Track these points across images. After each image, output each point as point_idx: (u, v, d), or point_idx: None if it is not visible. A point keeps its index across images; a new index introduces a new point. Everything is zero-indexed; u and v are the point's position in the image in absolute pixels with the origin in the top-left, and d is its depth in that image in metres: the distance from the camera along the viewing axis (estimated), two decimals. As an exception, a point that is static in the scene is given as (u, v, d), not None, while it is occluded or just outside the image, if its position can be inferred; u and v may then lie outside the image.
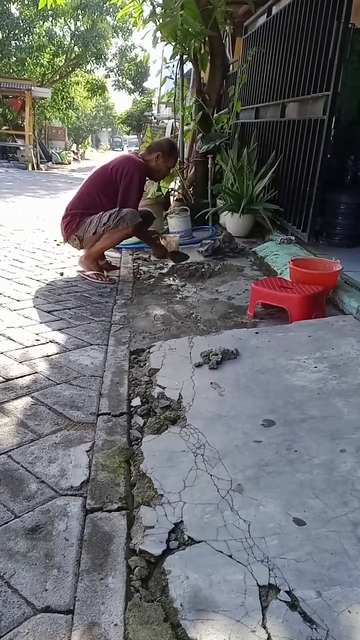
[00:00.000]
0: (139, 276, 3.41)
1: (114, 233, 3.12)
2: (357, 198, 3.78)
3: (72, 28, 18.12)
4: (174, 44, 5.20)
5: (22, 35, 16.64)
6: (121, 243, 4.30)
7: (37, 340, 2.21)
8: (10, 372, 1.90)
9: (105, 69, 21.28)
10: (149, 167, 3.25)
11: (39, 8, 6.57)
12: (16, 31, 16.35)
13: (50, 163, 19.03)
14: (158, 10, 5.12)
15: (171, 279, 3.30)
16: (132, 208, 3.11)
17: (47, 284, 3.11)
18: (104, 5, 16.19)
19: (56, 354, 2.10)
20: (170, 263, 3.58)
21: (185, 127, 5.69)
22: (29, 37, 16.75)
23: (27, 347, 2.14)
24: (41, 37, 17.11)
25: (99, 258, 3.44)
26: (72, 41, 18.11)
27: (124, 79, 22.53)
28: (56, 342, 2.21)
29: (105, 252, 3.60)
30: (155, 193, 4.69)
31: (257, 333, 2.19)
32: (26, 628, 0.93)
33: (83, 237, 3.18)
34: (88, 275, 3.26)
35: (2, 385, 1.80)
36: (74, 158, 23.56)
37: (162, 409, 1.66)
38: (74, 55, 18.55)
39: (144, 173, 3.22)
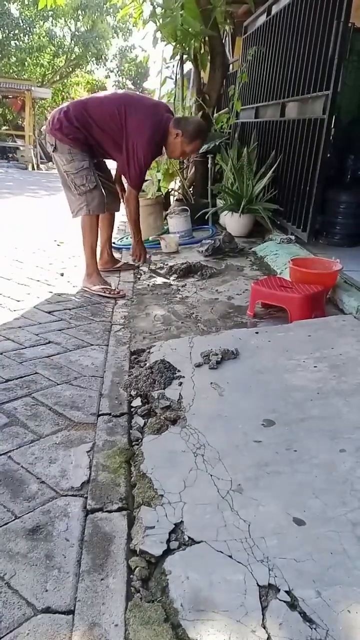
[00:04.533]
0: (139, 276, 3.42)
1: (85, 224, 2.97)
2: (357, 197, 3.78)
3: (72, 28, 18.16)
4: (174, 44, 5.19)
5: (22, 35, 16.70)
6: (122, 244, 4.32)
7: (38, 340, 2.22)
8: (10, 372, 1.90)
9: (106, 70, 21.43)
10: (166, 139, 2.93)
11: (39, 8, 6.56)
12: (16, 31, 16.41)
13: (50, 163, 18.93)
14: (158, 10, 5.12)
15: (171, 279, 3.30)
16: (133, 181, 2.90)
17: (47, 284, 3.11)
18: (104, 6, 16.22)
19: (56, 354, 2.10)
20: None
21: (186, 127, 5.67)
22: (29, 37, 16.82)
23: (27, 347, 2.14)
24: (41, 38, 17.16)
25: (97, 268, 3.13)
26: (72, 42, 18.14)
27: (124, 79, 22.59)
28: (56, 343, 2.21)
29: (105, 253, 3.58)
30: (155, 193, 4.69)
31: (257, 333, 2.19)
32: (27, 629, 0.93)
33: (65, 167, 2.92)
34: (95, 292, 3.00)
35: (3, 385, 1.80)
36: (74, 158, 23.54)
37: (162, 409, 1.66)
38: (74, 56, 18.58)
39: (153, 148, 2.89)
